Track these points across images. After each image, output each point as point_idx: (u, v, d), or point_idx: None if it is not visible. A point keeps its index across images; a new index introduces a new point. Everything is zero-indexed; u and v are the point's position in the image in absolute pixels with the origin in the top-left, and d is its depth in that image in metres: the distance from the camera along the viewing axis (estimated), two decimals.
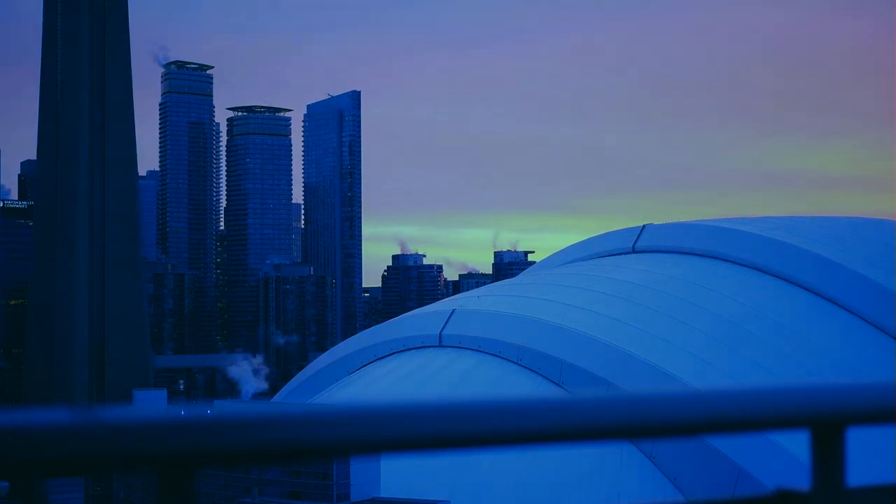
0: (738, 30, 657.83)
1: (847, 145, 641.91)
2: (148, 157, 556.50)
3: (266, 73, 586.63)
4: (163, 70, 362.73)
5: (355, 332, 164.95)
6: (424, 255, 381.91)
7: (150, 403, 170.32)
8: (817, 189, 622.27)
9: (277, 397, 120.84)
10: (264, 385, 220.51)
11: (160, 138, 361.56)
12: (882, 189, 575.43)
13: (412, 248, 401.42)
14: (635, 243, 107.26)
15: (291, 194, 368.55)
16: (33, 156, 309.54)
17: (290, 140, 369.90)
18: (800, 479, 4.51)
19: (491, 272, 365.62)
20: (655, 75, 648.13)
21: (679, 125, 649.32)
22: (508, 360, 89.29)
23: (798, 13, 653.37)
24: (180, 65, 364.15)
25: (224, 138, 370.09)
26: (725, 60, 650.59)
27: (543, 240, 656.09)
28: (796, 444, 66.37)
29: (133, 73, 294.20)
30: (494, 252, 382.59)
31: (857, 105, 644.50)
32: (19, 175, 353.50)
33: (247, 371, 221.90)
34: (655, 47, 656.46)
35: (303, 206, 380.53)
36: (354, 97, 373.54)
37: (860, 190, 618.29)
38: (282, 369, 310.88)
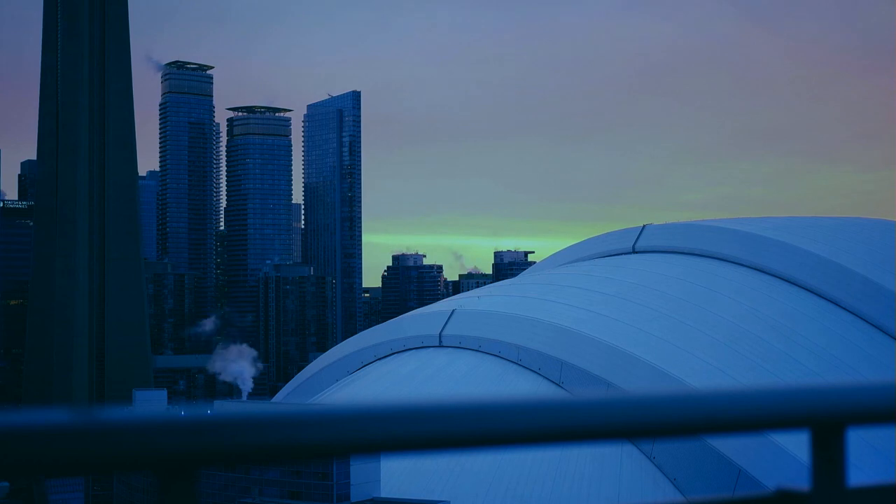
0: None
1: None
2: (148, 157, 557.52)
3: (266, 73, 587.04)
4: (163, 70, 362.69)
5: (355, 333, 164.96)
6: (424, 256, 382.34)
7: (150, 403, 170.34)
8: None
9: (278, 397, 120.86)
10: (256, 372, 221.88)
11: (160, 138, 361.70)
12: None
13: (411, 249, 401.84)
14: (635, 243, 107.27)
15: (291, 194, 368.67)
16: (33, 156, 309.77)
17: (290, 140, 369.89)
18: (800, 479, 4.51)
19: (491, 272, 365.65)
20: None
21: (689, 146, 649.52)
22: (508, 360, 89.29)
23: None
24: (180, 65, 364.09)
25: (224, 138, 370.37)
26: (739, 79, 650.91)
27: (543, 243, 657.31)
28: (796, 444, 66.42)
29: (133, 72, 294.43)
30: (494, 252, 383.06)
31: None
32: (19, 175, 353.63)
33: (244, 365, 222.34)
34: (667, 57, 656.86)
35: (303, 206, 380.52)
36: (354, 97, 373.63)
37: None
38: (282, 369, 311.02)
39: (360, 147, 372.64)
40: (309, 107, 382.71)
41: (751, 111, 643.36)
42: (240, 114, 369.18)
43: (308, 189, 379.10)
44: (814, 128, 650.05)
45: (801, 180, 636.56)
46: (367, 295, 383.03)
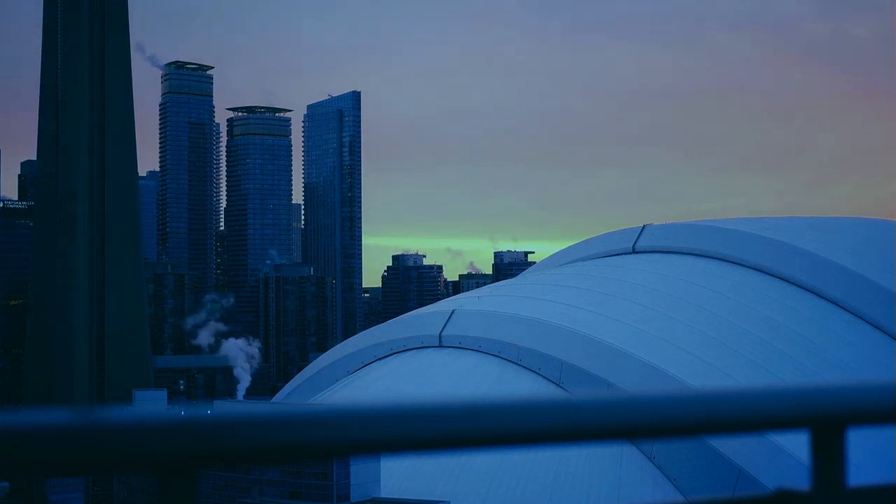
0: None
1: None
2: (148, 157, 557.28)
3: (266, 73, 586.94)
4: (163, 70, 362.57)
5: (355, 333, 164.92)
6: (424, 256, 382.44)
7: (150, 403, 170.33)
8: None
9: (278, 397, 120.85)
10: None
11: (160, 138, 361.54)
12: None
13: (411, 249, 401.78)
14: (635, 243, 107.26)
15: (291, 194, 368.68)
16: (33, 156, 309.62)
17: (290, 140, 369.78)
18: (800, 479, 4.51)
19: (491, 272, 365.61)
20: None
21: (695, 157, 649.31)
22: (508, 360, 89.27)
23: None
24: (180, 65, 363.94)
25: (224, 138, 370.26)
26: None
27: (543, 244, 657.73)
28: (796, 444, 66.39)
29: (133, 72, 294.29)
30: (494, 252, 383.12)
31: None
32: (19, 175, 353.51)
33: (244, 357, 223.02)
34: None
35: (303, 206, 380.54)
36: (354, 97, 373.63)
37: None
38: (282, 369, 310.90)
39: (360, 147, 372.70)
40: (309, 107, 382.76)
41: (763, 131, 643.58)
42: (240, 114, 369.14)
43: (308, 189, 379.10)
44: (829, 147, 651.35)
45: (813, 194, 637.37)
46: (367, 295, 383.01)
